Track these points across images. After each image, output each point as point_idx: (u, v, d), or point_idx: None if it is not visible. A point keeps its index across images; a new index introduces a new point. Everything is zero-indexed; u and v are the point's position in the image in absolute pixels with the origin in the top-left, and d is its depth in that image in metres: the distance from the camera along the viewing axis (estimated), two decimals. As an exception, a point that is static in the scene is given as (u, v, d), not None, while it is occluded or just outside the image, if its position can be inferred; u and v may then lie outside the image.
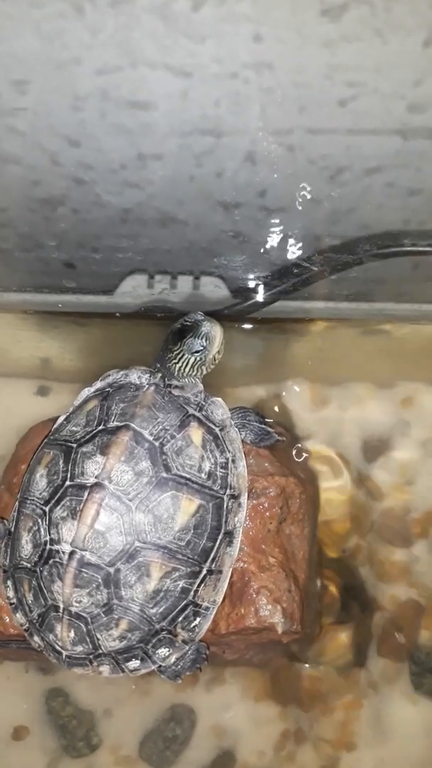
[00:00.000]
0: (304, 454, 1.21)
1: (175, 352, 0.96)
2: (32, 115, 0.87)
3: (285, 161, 0.91)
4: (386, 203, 0.98)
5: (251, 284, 1.18)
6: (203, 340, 0.95)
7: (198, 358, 0.96)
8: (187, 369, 0.97)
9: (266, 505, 1.00)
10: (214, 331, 0.96)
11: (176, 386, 0.97)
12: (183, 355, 0.96)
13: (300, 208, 0.98)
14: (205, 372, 0.99)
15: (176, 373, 0.97)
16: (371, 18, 0.71)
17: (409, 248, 1.05)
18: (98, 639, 0.89)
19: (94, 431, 0.92)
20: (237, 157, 0.91)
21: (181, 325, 0.98)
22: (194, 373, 0.97)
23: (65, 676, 1.14)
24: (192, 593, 0.90)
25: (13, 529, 0.98)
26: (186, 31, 0.75)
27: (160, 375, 0.98)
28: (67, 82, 0.82)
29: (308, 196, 0.96)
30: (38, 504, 0.92)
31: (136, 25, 0.74)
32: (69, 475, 0.90)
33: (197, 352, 0.95)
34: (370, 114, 0.83)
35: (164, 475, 0.89)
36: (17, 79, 0.82)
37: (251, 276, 1.16)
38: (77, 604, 0.87)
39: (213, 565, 0.91)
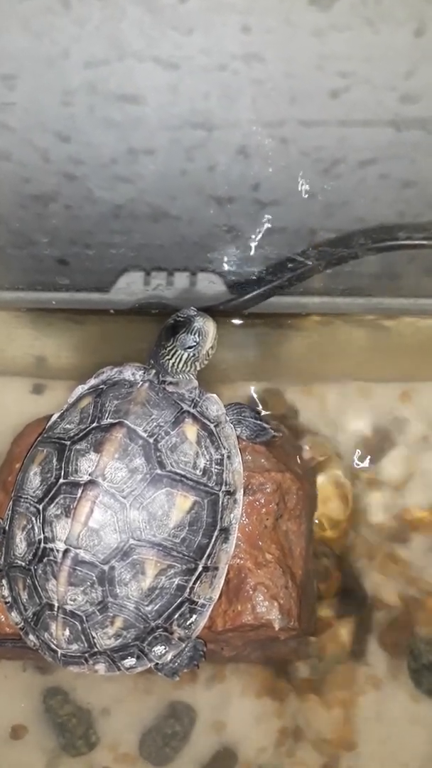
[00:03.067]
0: (302, 449, 1.20)
1: (168, 348, 0.96)
2: (21, 111, 0.86)
3: (278, 154, 0.90)
4: (381, 196, 0.97)
5: (246, 279, 1.17)
6: (196, 335, 0.95)
7: (191, 354, 0.95)
8: (180, 365, 0.96)
9: (262, 501, 1.00)
10: (207, 326, 0.96)
11: (170, 383, 0.96)
12: (176, 351, 0.95)
13: (293, 201, 0.97)
14: (199, 368, 0.98)
15: (170, 369, 0.96)
16: (361, 7, 0.70)
17: (404, 241, 1.04)
18: (93, 637, 0.88)
19: (88, 428, 0.92)
20: (229, 150, 0.90)
21: (174, 321, 0.97)
22: (188, 369, 0.97)
23: (63, 674, 1.14)
24: (188, 590, 0.89)
25: (7, 528, 0.97)
26: (173, 23, 0.74)
27: (154, 371, 0.97)
28: (55, 76, 0.81)
29: (302, 189, 0.95)
30: (32, 502, 0.92)
31: (123, 17, 0.73)
32: (62, 473, 0.90)
33: (190, 347, 0.95)
34: (363, 105, 0.82)
35: (159, 471, 0.88)
36: (5, 73, 0.81)
37: (246, 271, 1.15)
38: (72, 603, 0.87)
39: (209, 562, 0.91)
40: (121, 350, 1.23)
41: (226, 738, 1.13)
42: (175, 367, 0.96)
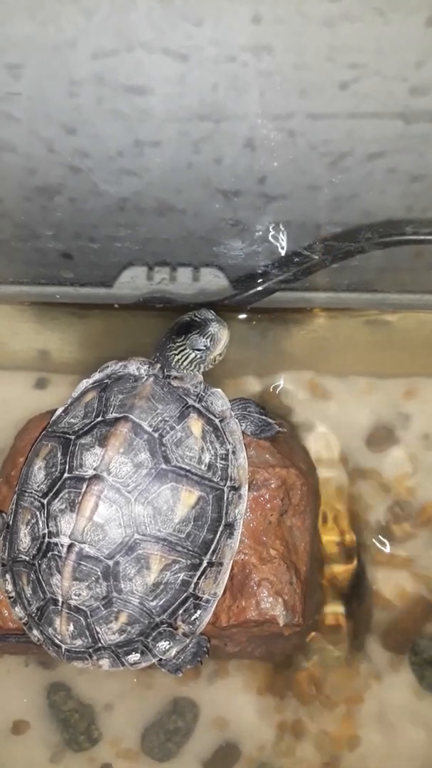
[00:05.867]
0: (306, 445, 1.20)
1: (178, 344, 0.95)
2: (27, 101, 0.85)
3: (285, 147, 0.89)
4: (388, 189, 0.96)
5: (251, 274, 1.17)
6: (208, 340, 0.95)
7: (198, 356, 0.95)
8: (185, 363, 0.96)
9: (267, 497, 0.99)
10: (221, 333, 0.95)
11: (175, 377, 0.96)
12: (185, 349, 0.95)
13: (300, 194, 0.96)
14: (203, 370, 0.98)
15: (174, 364, 0.96)
16: (373, -4, 0.70)
17: (411, 236, 1.03)
18: (98, 632, 0.88)
19: (93, 423, 0.91)
20: (236, 143, 0.89)
21: (190, 319, 0.97)
22: (192, 368, 0.97)
23: (66, 669, 1.14)
24: (192, 586, 0.89)
25: (11, 522, 0.97)
26: (183, 13, 0.73)
27: (159, 366, 0.96)
28: (62, 67, 0.81)
29: (309, 183, 0.95)
30: (36, 497, 0.91)
31: (132, 7, 0.73)
32: (67, 467, 0.89)
33: (199, 350, 0.95)
34: (372, 97, 0.81)
35: (164, 466, 0.88)
36: (11, 62, 0.81)
37: (251, 265, 1.14)
38: (76, 598, 0.86)
39: (213, 558, 0.90)
40: (124, 345, 1.23)
41: (229, 734, 1.13)
42: (180, 363, 0.96)
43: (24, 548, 0.92)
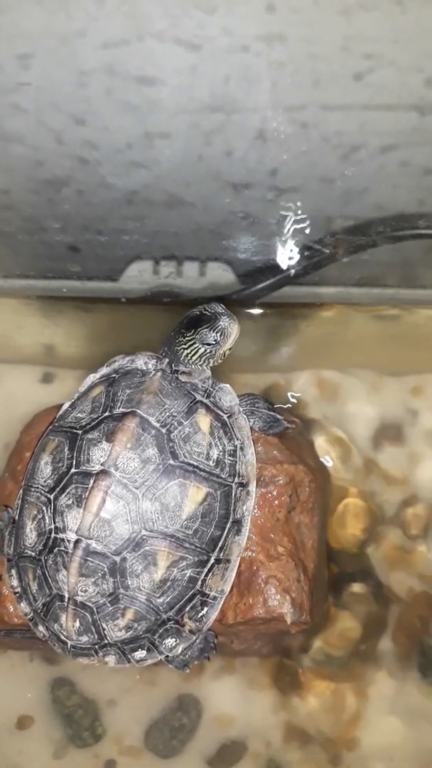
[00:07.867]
0: (314, 441, 1.19)
1: (187, 339, 0.94)
2: (36, 91, 0.84)
3: (297, 139, 0.88)
4: (401, 183, 0.95)
5: (259, 268, 1.16)
6: (218, 334, 0.94)
7: (208, 350, 0.94)
8: (194, 357, 0.95)
9: (275, 494, 0.98)
10: (231, 328, 0.94)
11: (183, 372, 0.95)
12: (194, 343, 0.94)
13: (312, 187, 0.95)
14: (211, 365, 0.97)
15: (182, 358, 0.95)
16: (390, -16, 0.69)
17: (423, 231, 1.02)
18: (104, 629, 0.87)
19: (100, 418, 0.91)
20: (247, 135, 0.88)
21: (200, 313, 0.96)
22: (201, 363, 0.96)
23: (70, 665, 1.13)
24: (199, 582, 0.88)
25: (17, 518, 0.96)
26: (195, 1, 0.72)
27: (167, 360, 0.96)
28: (71, 56, 0.80)
29: (320, 175, 0.93)
30: (43, 492, 0.91)
31: (144, -5, 0.72)
32: (74, 463, 0.89)
33: (209, 344, 0.94)
34: (387, 88, 0.80)
35: (171, 462, 0.87)
36: (21, 52, 0.80)
37: (260, 259, 1.13)
38: (83, 594, 0.86)
39: (221, 554, 0.90)
40: (131, 339, 1.22)
41: (233, 731, 1.13)
42: (188, 358, 0.95)
43: (30, 544, 0.91)
